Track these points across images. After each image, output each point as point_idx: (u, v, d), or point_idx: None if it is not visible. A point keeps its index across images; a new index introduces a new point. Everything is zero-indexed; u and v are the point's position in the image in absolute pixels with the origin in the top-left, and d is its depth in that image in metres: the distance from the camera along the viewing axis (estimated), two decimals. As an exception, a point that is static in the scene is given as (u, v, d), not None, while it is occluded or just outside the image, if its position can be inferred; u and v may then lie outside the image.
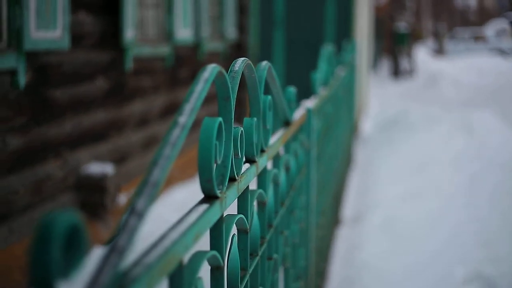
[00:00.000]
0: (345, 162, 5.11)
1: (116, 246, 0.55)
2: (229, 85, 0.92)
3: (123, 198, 4.39)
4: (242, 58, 1.05)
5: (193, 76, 6.21)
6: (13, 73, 3.34)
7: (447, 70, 16.05)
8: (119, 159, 4.64)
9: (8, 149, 3.32)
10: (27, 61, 3.45)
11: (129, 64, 4.79)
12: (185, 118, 0.74)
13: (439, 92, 13.11)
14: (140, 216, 0.59)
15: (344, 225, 4.26)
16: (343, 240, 3.94)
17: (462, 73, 15.72)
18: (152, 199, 0.61)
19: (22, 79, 3.39)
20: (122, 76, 4.74)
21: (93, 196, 4.06)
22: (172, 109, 5.73)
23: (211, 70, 0.84)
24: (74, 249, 0.47)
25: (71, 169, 3.96)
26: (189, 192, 5.25)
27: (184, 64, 6.02)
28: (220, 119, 0.84)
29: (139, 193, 0.61)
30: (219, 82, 0.90)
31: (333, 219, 3.73)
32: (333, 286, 3.22)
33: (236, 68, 0.99)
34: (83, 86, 4.17)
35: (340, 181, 4.43)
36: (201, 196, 0.87)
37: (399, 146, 6.82)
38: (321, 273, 2.90)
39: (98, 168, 4.11)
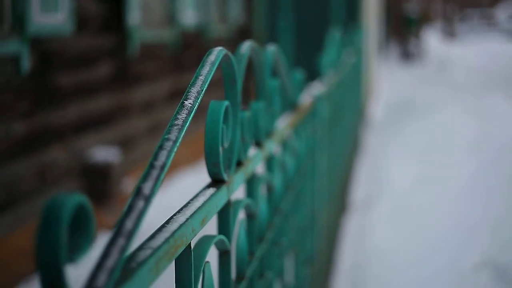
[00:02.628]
0: (352, 147, 5.09)
1: (122, 229, 0.55)
2: (236, 68, 0.91)
3: (128, 184, 4.40)
4: (249, 41, 1.04)
5: (198, 61, 6.19)
6: (16, 58, 3.33)
7: (458, 55, 15.95)
8: (124, 145, 4.64)
9: (13, 136, 3.33)
10: (31, 46, 3.44)
11: (134, 49, 4.78)
12: (191, 101, 0.73)
13: (450, 77, 13.02)
14: (147, 199, 0.58)
15: (353, 211, 4.26)
16: (352, 226, 3.94)
17: (473, 57, 15.61)
18: (159, 182, 0.61)
19: (26, 65, 3.38)
20: (126, 61, 4.73)
21: (97, 182, 4.07)
22: (177, 94, 5.72)
23: (217, 53, 0.83)
24: (81, 232, 0.47)
25: (75, 155, 3.97)
26: (194, 180, 5.26)
27: (190, 48, 6.00)
28: (227, 102, 0.84)
29: (145, 176, 0.61)
30: (225, 65, 0.89)
31: (340, 205, 3.72)
32: (343, 272, 3.22)
33: (243, 51, 0.98)
34: (87, 71, 4.16)
35: (347, 167, 4.42)
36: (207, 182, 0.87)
37: (409, 131, 6.80)
38: (330, 259, 2.90)
39: (102, 154, 4.12)
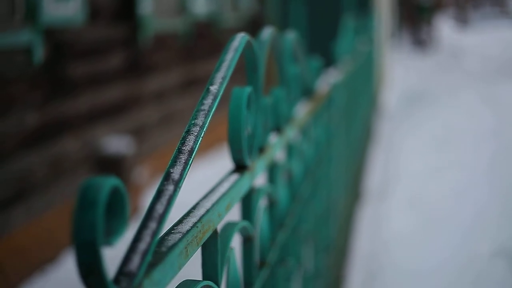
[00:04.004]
0: (366, 135, 5.07)
1: (153, 213, 0.55)
2: (258, 55, 0.91)
3: (140, 174, 4.42)
4: (269, 28, 1.03)
5: (210, 51, 6.18)
6: (29, 49, 3.34)
7: (471, 42, 15.80)
8: (136, 135, 4.66)
9: (25, 127, 3.34)
10: (44, 36, 3.45)
11: (146, 39, 4.78)
12: (216, 86, 0.73)
13: (463, 65, 12.90)
14: (176, 183, 0.58)
15: (368, 199, 4.25)
16: (368, 214, 3.94)
17: (486, 45, 15.45)
18: (187, 167, 0.61)
19: (39, 55, 3.39)
20: (138, 51, 4.73)
21: (110, 172, 4.09)
22: (189, 84, 5.72)
23: (240, 39, 0.83)
24: (116, 215, 0.47)
25: (88, 145, 3.98)
26: (209, 169, 5.26)
27: (202, 38, 5.99)
28: (249, 88, 0.84)
29: (174, 161, 0.61)
30: (247, 51, 0.89)
31: (355, 193, 3.72)
32: (358, 260, 3.23)
33: (264, 38, 0.98)
34: (100, 62, 4.17)
35: (361, 155, 4.41)
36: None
37: (423, 120, 6.76)
38: (345, 247, 2.90)
39: (115, 144, 4.13)
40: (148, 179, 4.53)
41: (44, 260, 3.41)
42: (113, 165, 4.09)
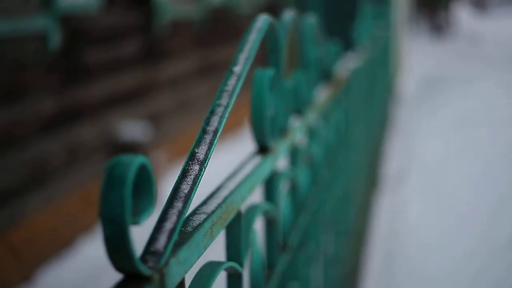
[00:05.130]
0: (383, 122, 5.04)
1: (179, 193, 0.55)
2: (280, 37, 0.90)
3: (157, 159, 4.43)
4: (291, 11, 1.02)
5: (226, 37, 6.17)
6: (45, 35, 3.35)
7: (489, 29, 15.58)
8: (152, 121, 4.67)
9: (42, 113, 3.35)
10: (59, 23, 3.46)
11: (162, 25, 4.77)
12: (240, 67, 0.72)
13: (481, 51, 12.74)
14: (201, 163, 0.58)
15: (386, 185, 4.23)
16: (386, 201, 3.92)
17: (504, 32, 15.23)
18: (212, 147, 0.60)
19: (55, 42, 3.40)
20: (154, 37, 4.73)
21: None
22: (205, 71, 5.72)
23: (263, 20, 0.82)
24: (143, 193, 0.47)
25: (104, 131, 4.00)
26: (228, 159, 5.24)
27: (217, 24, 5.97)
28: (272, 70, 0.83)
29: (198, 141, 0.61)
30: (270, 33, 0.88)
31: (373, 179, 3.70)
32: (376, 246, 3.21)
33: (286, 20, 0.97)
34: (116, 48, 4.17)
35: (379, 141, 4.38)
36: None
37: (440, 106, 6.70)
38: (363, 233, 2.89)
39: (131, 130, 4.14)
40: (164, 165, 4.54)
41: (60, 246, 3.44)
42: (129, 151, 4.10)
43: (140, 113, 4.48)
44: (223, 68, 5.96)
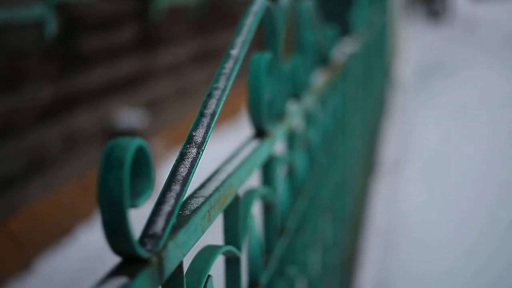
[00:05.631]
0: (380, 108, 5.04)
1: (177, 175, 0.54)
2: (277, 20, 0.89)
3: (154, 147, 4.42)
4: (287, -7, 1.02)
5: (224, 24, 6.14)
6: (41, 23, 3.32)
7: (486, 15, 15.53)
8: (150, 108, 4.66)
9: (39, 101, 3.34)
10: (56, 10, 3.43)
11: (159, 11, 4.74)
12: (237, 50, 0.72)
13: (478, 37, 12.70)
14: (199, 146, 0.58)
15: (383, 171, 4.24)
16: (383, 187, 3.92)
17: (501, 18, 15.18)
18: (210, 130, 0.60)
19: (51, 29, 3.38)
20: (151, 24, 4.70)
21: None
22: (203, 57, 5.69)
23: (260, 3, 0.82)
24: (141, 176, 0.46)
25: (101, 119, 3.98)
26: (223, 148, 5.22)
27: (215, 11, 5.94)
28: (269, 54, 0.82)
29: (196, 124, 0.60)
30: (267, 16, 0.88)
31: (370, 166, 3.71)
32: (374, 232, 3.23)
33: (283, 3, 0.96)
34: (112, 35, 4.15)
35: (376, 127, 4.39)
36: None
37: (437, 92, 6.70)
38: (360, 219, 2.90)
39: (129, 118, 4.13)
40: (162, 152, 4.54)
41: (59, 233, 3.44)
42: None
43: (137, 101, 4.47)
44: (221, 55, 5.93)
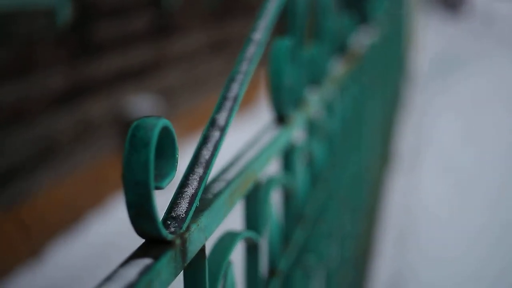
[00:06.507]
0: (395, 100, 5.00)
1: (200, 158, 0.54)
2: (300, 4, 0.88)
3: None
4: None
5: (239, 12, 6.11)
6: (55, 11, 3.32)
7: (505, 9, 15.33)
8: (163, 97, 4.65)
9: (51, 89, 3.34)
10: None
11: (173, 0, 4.73)
12: (259, 34, 0.71)
13: (496, 30, 12.55)
14: (222, 129, 0.57)
15: (399, 165, 4.21)
16: (398, 183, 3.89)
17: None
18: (233, 113, 0.59)
19: (64, 17, 3.37)
20: (165, 12, 4.69)
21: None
22: (217, 46, 5.68)
23: (282, -14, 0.80)
24: (165, 156, 0.46)
25: (113, 107, 3.98)
26: (239, 138, 5.22)
27: (229, 0, 5.91)
28: (291, 38, 0.81)
29: (219, 107, 0.59)
30: (290, 0, 0.86)
31: (385, 159, 3.68)
32: (390, 223, 3.21)
33: (304, -12, 0.95)
34: (126, 23, 4.14)
35: (391, 119, 4.35)
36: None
37: (453, 85, 6.63)
38: (376, 210, 2.89)
39: (141, 106, 4.13)
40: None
41: (70, 222, 3.45)
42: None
43: (150, 89, 4.47)
44: (235, 43, 5.91)
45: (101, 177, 3.76)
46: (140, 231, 0.44)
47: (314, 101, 1.00)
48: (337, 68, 1.30)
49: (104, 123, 3.88)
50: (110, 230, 3.38)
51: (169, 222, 0.47)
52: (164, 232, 0.44)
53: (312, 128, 1.02)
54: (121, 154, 3.82)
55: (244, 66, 0.65)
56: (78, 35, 3.58)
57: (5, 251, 2.97)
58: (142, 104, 4.14)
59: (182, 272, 0.49)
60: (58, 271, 3.03)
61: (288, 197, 0.86)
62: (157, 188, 0.45)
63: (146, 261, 0.42)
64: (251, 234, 0.68)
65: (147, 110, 4.10)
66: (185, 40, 5.04)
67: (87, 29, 3.66)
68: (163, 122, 0.43)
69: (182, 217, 0.48)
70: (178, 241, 0.46)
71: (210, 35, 5.55)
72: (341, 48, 1.52)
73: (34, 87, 3.21)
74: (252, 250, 0.71)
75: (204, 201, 0.54)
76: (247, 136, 4.73)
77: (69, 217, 3.46)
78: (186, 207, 0.49)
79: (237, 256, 0.71)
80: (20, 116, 3.12)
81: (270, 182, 0.77)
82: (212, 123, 0.57)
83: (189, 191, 0.50)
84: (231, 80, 0.63)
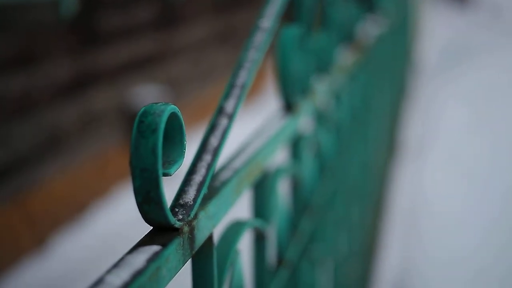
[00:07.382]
0: (403, 90, 4.98)
1: (208, 146, 0.53)
2: (307, -8, 0.87)
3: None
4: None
5: (245, 2, 6.09)
6: (60, 2, 3.30)
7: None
8: (169, 87, 4.64)
9: (56, 80, 3.33)
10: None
11: (181, -9, 4.72)
12: (267, 22, 0.70)
13: (505, 22, 12.46)
14: (230, 117, 0.56)
15: (405, 155, 4.19)
16: (405, 173, 3.88)
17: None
18: (241, 101, 0.59)
19: (70, 8, 3.36)
20: (171, 3, 4.67)
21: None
22: (223, 36, 5.66)
23: (290, -27, 0.79)
24: (173, 143, 0.45)
25: (119, 98, 3.97)
26: (244, 130, 5.21)
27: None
28: (299, 27, 0.80)
29: (227, 95, 0.59)
30: (296, -12, 0.85)
31: (391, 148, 3.67)
32: (396, 215, 3.20)
33: (312, -25, 0.94)
34: (131, 14, 4.12)
35: (397, 110, 4.34)
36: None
37: (460, 76, 6.60)
38: (381, 202, 2.88)
39: (146, 96, 4.12)
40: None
41: (75, 212, 3.46)
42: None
43: (156, 79, 4.46)
44: (241, 34, 5.89)
45: (106, 167, 3.76)
46: (147, 218, 0.43)
47: (321, 90, 1.00)
48: (345, 57, 1.29)
49: (109, 114, 3.88)
50: (116, 221, 3.39)
51: (177, 209, 0.47)
52: (172, 219, 0.43)
53: (319, 117, 1.01)
54: (127, 144, 3.82)
55: (252, 54, 0.65)
56: (84, 26, 3.57)
57: (10, 242, 2.99)
58: (148, 94, 4.14)
59: (190, 260, 0.49)
60: (63, 262, 3.04)
61: (296, 186, 0.86)
62: (165, 174, 0.44)
63: (154, 248, 0.41)
64: (259, 223, 0.67)
65: (153, 101, 4.09)
66: (191, 30, 5.03)
67: (93, 20, 3.65)
68: (171, 108, 0.42)
69: (190, 204, 0.48)
70: (186, 229, 0.45)
71: (216, 25, 5.54)
72: (348, 37, 1.51)
73: (40, 78, 3.21)
74: (260, 240, 0.70)
75: (212, 189, 0.53)
76: (254, 126, 4.73)
77: (74, 207, 3.47)
78: (194, 194, 0.48)
79: (245, 245, 0.71)
80: (26, 107, 3.12)
81: (278, 171, 0.76)
82: (220, 110, 0.57)
83: (197, 178, 0.50)
84: (239, 67, 0.63)
